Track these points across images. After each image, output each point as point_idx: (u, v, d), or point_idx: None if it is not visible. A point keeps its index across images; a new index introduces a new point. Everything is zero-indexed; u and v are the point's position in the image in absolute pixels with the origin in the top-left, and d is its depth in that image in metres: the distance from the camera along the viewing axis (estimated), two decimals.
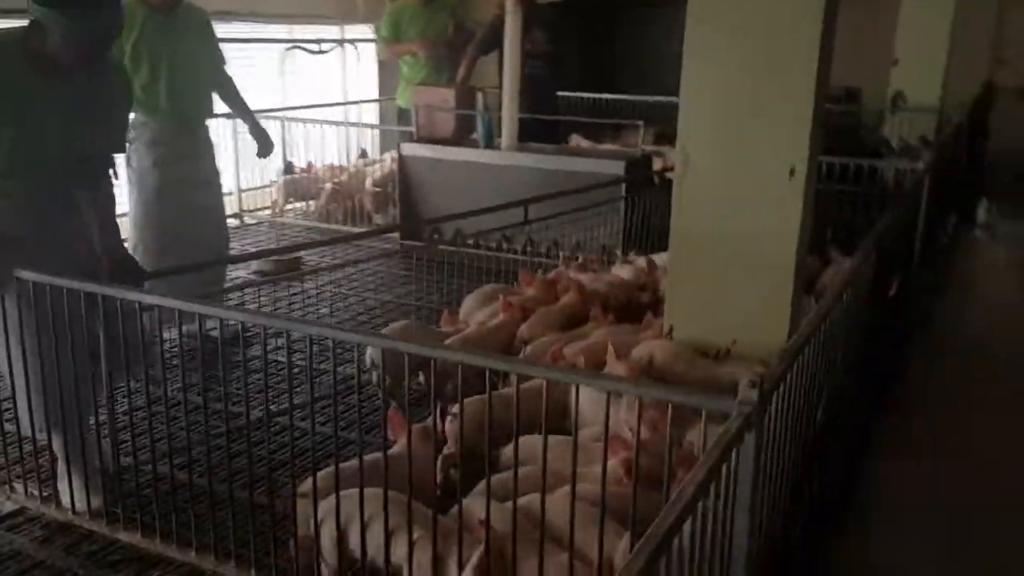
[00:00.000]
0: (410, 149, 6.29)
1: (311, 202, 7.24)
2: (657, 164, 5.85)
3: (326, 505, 2.30)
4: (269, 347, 3.14)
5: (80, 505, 2.80)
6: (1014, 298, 5.62)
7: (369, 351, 3.13)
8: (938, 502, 3.09)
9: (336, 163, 7.58)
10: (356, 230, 6.77)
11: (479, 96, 6.32)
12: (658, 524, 1.42)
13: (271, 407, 3.32)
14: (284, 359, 2.95)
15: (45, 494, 2.89)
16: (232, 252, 6.31)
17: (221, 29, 7.10)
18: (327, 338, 2.31)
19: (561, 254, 4.98)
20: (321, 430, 3.06)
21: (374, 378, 3.27)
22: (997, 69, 9.56)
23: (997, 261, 6.31)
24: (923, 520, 2.98)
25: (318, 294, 5.05)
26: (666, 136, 6.61)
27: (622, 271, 4.49)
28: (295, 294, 5.13)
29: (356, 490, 2.22)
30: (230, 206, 7.19)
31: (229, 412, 2.66)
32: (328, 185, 7.03)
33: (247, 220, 7.22)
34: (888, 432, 3.58)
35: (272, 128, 7.23)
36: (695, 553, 1.60)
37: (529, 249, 4.94)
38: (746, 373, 2.09)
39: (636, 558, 1.33)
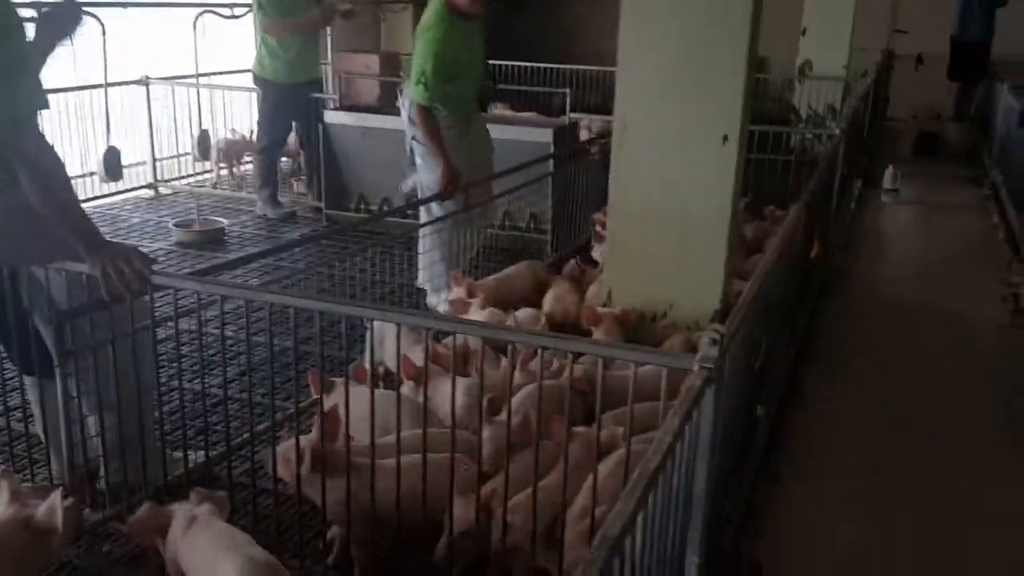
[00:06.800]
0: (333, 117, 6.22)
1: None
2: (583, 134, 5.95)
3: None
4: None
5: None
6: (918, 257, 5.97)
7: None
8: (856, 451, 3.31)
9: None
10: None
11: (402, 62, 6.30)
12: (644, 465, 1.51)
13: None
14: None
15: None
16: (149, 223, 6.19)
17: None
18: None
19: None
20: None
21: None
22: (895, 38, 10.03)
23: (902, 221, 6.67)
24: (841, 466, 3.19)
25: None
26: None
27: None
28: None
29: None
30: (144, 176, 7.00)
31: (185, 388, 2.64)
32: None
33: (162, 190, 7.03)
34: (809, 382, 3.79)
35: (185, 95, 7.07)
36: (667, 497, 1.71)
37: (507, 223, 5.05)
38: None
39: (631, 492, 1.43)
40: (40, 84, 2.40)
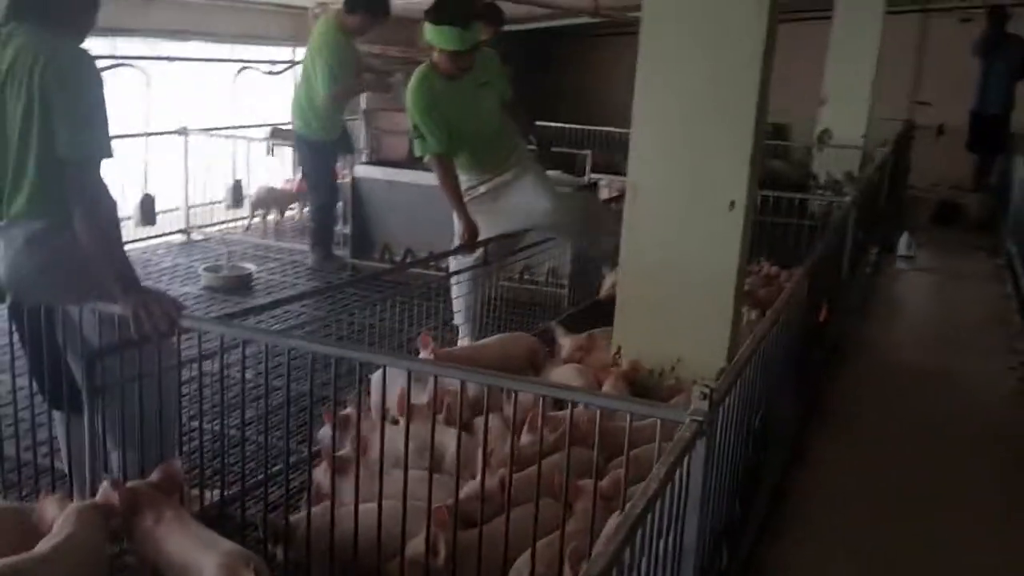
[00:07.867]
0: (364, 171, 6.43)
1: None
2: (603, 192, 6.11)
3: None
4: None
5: None
6: (930, 323, 6.03)
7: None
8: (862, 508, 3.36)
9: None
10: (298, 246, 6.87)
11: None
12: (625, 516, 1.61)
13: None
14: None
15: None
16: (179, 268, 6.39)
17: (175, 48, 7.23)
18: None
19: None
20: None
21: None
22: (916, 109, 10.18)
23: (916, 288, 6.74)
24: (846, 525, 3.24)
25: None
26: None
27: None
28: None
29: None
30: (178, 222, 7.25)
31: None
32: None
33: (194, 236, 7.25)
34: (817, 443, 3.85)
35: (222, 146, 7.36)
36: (652, 548, 1.80)
37: (526, 276, 5.20)
38: None
39: (606, 549, 1.52)
40: (108, 133, 2.59)
